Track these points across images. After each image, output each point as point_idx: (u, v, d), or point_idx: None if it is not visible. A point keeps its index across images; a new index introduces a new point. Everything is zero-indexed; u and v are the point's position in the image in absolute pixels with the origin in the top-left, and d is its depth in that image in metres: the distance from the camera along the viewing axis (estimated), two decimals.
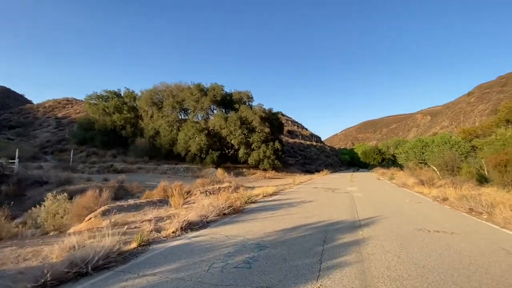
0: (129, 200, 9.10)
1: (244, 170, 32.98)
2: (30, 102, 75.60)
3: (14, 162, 17.10)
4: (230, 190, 12.23)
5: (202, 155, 31.57)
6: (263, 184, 17.77)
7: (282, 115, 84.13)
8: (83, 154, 33.48)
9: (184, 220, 5.41)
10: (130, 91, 42.21)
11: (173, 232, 5.08)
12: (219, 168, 16.88)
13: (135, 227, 5.55)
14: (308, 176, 27.93)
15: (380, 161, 66.38)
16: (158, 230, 5.20)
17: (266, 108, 36.13)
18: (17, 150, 19.55)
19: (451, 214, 6.90)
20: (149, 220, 5.94)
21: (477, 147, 23.07)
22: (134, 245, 4.25)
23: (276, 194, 11.35)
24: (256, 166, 34.06)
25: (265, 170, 33.12)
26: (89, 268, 3.25)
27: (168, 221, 5.85)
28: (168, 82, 39.90)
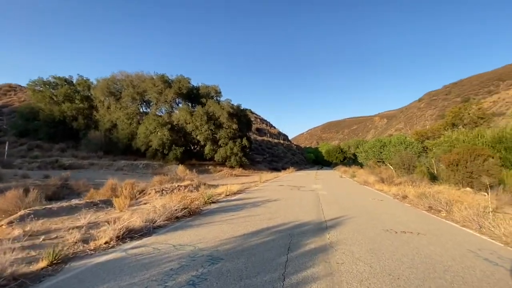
0: (63, 202, 7.61)
1: (210, 167, 31.78)
2: None
3: None
4: (190, 189, 11.23)
5: (164, 151, 29.61)
6: (228, 182, 16.99)
7: (251, 112, 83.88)
8: (23, 148, 29.04)
9: (123, 227, 4.41)
10: (84, 78, 37.76)
11: (105, 243, 4.07)
12: (180, 165, 15.68)
13: (56, 237, 4.38)
14: (274, 174, 27.84)
15: (342, 160, 69.94)
16: (87, 241, 4.13)
17: (235, 104, 35.23)
18: None
19: (413, 212, 6.90)
20: (79, 227, 4.80)
21: (427, 148, 25.17)
22: (43, 263, 3.18)
23: (240, 193, 10.67)
24: (223, 163, 33.07)
25: (232, 167, 32.30)
26: None
27: (104, 227, 4.78)
28: (129, 71, 36.58)
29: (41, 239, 4.20)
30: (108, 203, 7.56)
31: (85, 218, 5.44)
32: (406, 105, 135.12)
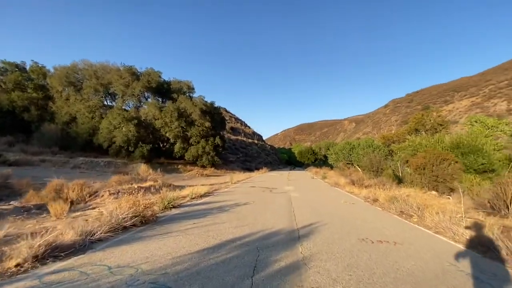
0: None
1: (179, 166, 30.24)
2: None
3: None
4: (152, 191, 10.14)
5: (129, 148, 27.52)
6: (198, 183, 16.00)
7: (226, 111, 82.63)
8: None
9: (45, 243, 3.44)
10: (39, 65, 33.69)
11: (17, 266, 3.08)
12: (143, 164, 14.34)
13: None
14: (247, 174, 27.25)
15: (313, 161, 71.76)
16: None
17: (208, 101, 33.97)
18: None
19: (385, 217, 6.70)
20: None
21: (393, 151, 26.42)
22: None
23: (208, 195, 9.85)
24: (193, 163, 31.70)
25: (203, 167, 31.07)
26: None
27: (24, 242, 3.73)
28: (92, 60, 33.49)
29: None
30: (43, 208, 6.30)
31: (5, 228, 4.29)
32: (373, 111, 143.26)
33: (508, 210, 5.92)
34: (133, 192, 9.25)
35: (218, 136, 32.82)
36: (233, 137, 61.81)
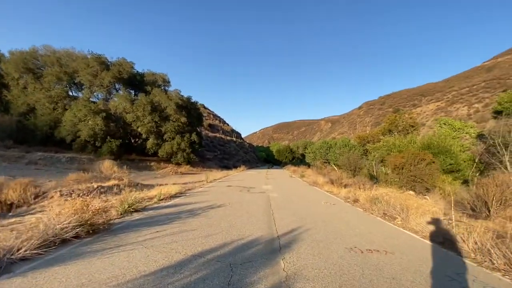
0: None
1: (152, 164, 28.54)
2: None
3: None
4: (115, 191, 8.99)
5: (96, 143, 25.39)
6: (170, 181, 14.89)
7: (204, 107, 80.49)
8: None
9: None
10: None
11: None
12: (107, 160, 12.95)
13: None
14: (224, 172, 26.35)
15: (291, 159, 72.44)
16: None
17: (185, 96, 32.40)
18: None
19: (369, 220, 6.33)
20: None
21: (368, 151, 27.05)
22: None
23: (179, 196, 8.92)
24: (168, 160, 30.13)
25: (178, 164, 29.63)
26: None
27: None
28: (56, 46, 30.36)
29: None
30: None
31: None
32: (348, 112, 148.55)
33: (490, 212, 5.82)
34: (91, 192, 8.09)
35: (194, 133, 31.47)
36: (211, 134, 60.32)
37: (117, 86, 31.20)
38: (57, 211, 4.19)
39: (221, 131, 69.50)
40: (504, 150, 14.92)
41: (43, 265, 3.01)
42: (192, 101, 33.90)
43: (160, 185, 11.65)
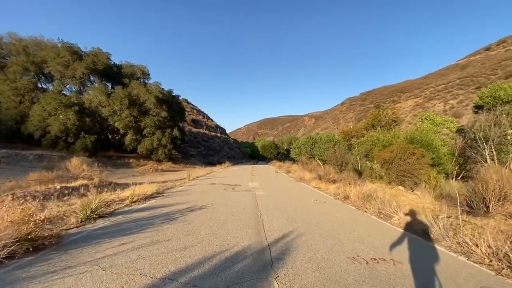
0: None
1: (131, 161, 27.02)
2: None
3: None
4: (82, 192, 7.93)
5: (69, 138, 23.58)
6: (150, 179, 13.87)
7: (187, 103, 78.21)
8: None
9: None
10: None
11: None
12: (75, 158, 11.66)
13: None
14: (208, 169, 25.42)
15: (276, 155, 72.34)
16: None
17: (165, 89, 30.85)
18: None
19: (364, 220, 5.84)
20: None
21: (352, 146, 27.15)
22: None
23: (156, 197, 8.03)
24: (148, 157, 28.69)
25: (159, 161, 28.29)
26: None
27: None
28: (22, 34, 27.72)
29: None
30: None
31: None
32: (331, 108, 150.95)
33: (488, 209, 5.53)
34: (51, 195, 7.03)
35: (176, 128, 30.13)
36: (194, 129, 58.71)
37: (92, 78, 29.19)
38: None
39: (205, 127, 67.90)
40: (485, 144, 15.25)
41: None
42: (174, 94, 32.41)
43: (137, 184, 10.64)
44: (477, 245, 3.75)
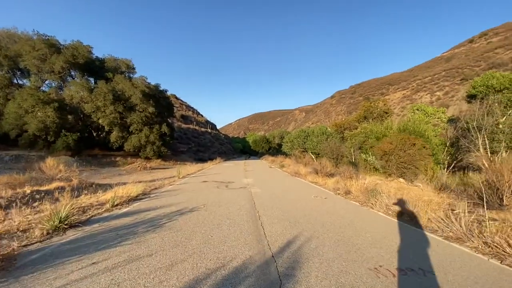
0: None
1: (118, 159, 25.86)
2: None
3: None
4: (55, 196, 7.07)
5: (49, 137, 22.22)
6: (137, 178, 13.01)
7: (176, 98, 76.33)
8: None
9: None
10: None
11: None
12: (50, 158, 10.63)
13: None
14: (199, 165, 24.60)
15: (267, 149, 71.90)
16: None
17: (152, 83, 29.52)
18: None
19: (374, 218, 5.32)
20: None
21: (345, 138, 26.92)
22: None
23: (141, 198, 7.26)
24: (136, 154, 27.54)
25: (147, 158, 27.23)
26: None
27: None
28: None
29: None
30: None
31: None
32: (321, 101, 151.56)
33: (502, 202, 5.13)
34: (19, 200, 6.16)
35: (165, 124, 29.00)
36: (184, 125, 57.37)
37: (73, 73, 27.58)
38: None
39: (195, 123, 66.53)
40: (478, 133, 15.20)
41: None
42: (161, 89, 31.09)
43: (122, 184, 9.79)
44: (509, 245, 3.28)
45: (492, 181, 5.36)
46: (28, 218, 4.71)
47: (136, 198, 7.12)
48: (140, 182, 11.09)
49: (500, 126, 16.15)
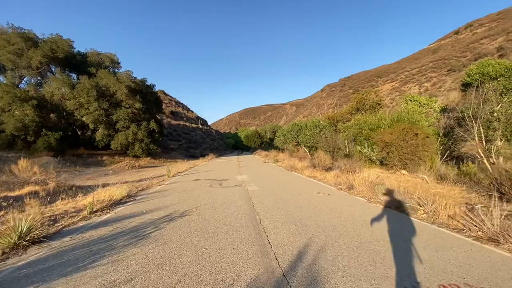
0: None
1: (104, 158, 24.66)
2: None
3: None
4: (25, 202, 6.22)
5: (28, 137, 20.87)
6: (124, 179, 12.17)
7: (165, 94, 74.32)
8: None
9: None
10: None
11: None
12: (23, 160, 9.65)
13: None
14: (191, 163, 23.75)
15: (259, 144, 71.37)
16: None
17: (138, 78, 28.16)
18: None
19: (389, 218, 4.78)
20: None
21: (338, 130, 26.58)
22: None
23: (126, 202, 6.49)
24: (124, 152, 26.38)
25: (136, 157, 26.13)
26: None
27: None
28: None
29: None
30: None
31: None
32: (311, 95, 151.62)
33: None
34: None
35: (153, 120, 27.80)
36: (174, 122, 55.89)
37: (53, 68, 26.00)
38: None
39: (185, 119, 65.05)
40: (474, 122, 15.04)
41: None
42: (148, 84, 29.72)
43: (107, 185, 8.94)
44: None
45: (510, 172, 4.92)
46: None
47: (120, 202, 6.35)
48: (126, 182, 10.28)
49: (495, 114, 16.07)
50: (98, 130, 24.59)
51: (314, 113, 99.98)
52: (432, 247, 3.23)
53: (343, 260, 2.87)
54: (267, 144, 66.01)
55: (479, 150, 13.74)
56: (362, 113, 29.01)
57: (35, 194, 6.88)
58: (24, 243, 3.40)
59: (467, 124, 16.04)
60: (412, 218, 4.54)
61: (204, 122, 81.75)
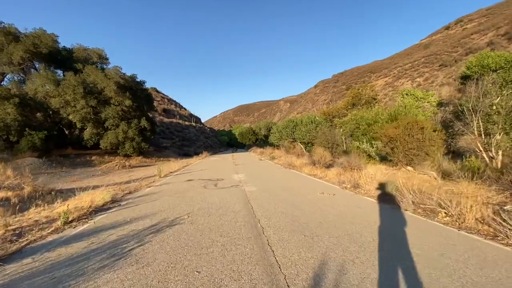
0: None
1: (93, 158, 23.61)
2: None
3: None
4: None
5: (10, 137, 19.74)
6: (111, 180, 11.39)
7: (157, 91, 72.83)
8: None
9: None
10: None
11: None
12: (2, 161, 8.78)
13: None
14: (184, 161, 22.96)
15: (254, 141, 70.76)
16: None
17: (127, 74, 27.05)
18: None
19: (409, 223, 4.22)
20: None
21: (335, 125, 26.17)
22: None
23: (109, 208, 5.78)
24: (114, 152, 25.38)
25: (127, 156, 25.17)
26: None
27: None
28: None
29: None
30: None
31: None
32: (305, 91, 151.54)
33: None
34: None
35: (144, 118, 26.80)
36: (166, 119, 54.74)
37: (37, 65, 24.72)
38: None
39: (178, 116, 63.87)
40: (473, 116, 14.75)
41: None
42: (138, 80, 28.62)
43: (97, 187, 8.16)
44: None
45: None
46: None
47: (102, 208, 5.63)
48: (115, 184, 9.52)
49: (494, 107, 15.80)
50: (86, 129, 23.53)
51: (308, 109, 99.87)
52: (473, 262, 2.68)
53: (373, 286, 2.28)
54: (261, 141, 65.45)
55: (478, 144, 13.39)
56: (358, 108, 28.69)
57: (5, 201, 6.11)
58: None
59: (467, 118, 15.72)
60: (435, 222, 3.99)
61: (197, 120, 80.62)
